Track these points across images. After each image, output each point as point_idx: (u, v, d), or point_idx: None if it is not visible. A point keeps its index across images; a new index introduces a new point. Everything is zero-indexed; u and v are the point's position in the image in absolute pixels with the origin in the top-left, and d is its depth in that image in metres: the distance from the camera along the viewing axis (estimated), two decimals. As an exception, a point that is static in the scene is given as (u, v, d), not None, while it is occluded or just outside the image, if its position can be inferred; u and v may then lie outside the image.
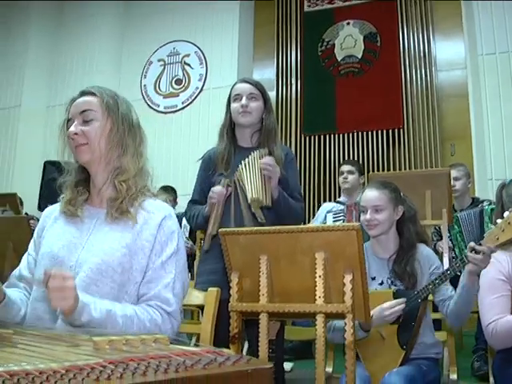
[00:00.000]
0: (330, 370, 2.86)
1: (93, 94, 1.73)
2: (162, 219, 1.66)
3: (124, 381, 0.72)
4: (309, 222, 5.45)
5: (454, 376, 2.82)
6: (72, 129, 1.67)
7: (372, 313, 2.24)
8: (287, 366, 3.42)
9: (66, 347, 0.96)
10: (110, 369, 0.75)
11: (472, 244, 2.28)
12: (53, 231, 1.73)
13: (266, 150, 2.64)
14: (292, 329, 3.98)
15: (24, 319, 1.64)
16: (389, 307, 2.33)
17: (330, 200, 6.02)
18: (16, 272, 1.78)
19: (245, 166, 2.59)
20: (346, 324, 1.83)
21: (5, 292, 1.54)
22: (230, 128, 2.78)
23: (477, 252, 2.24)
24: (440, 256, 3.87)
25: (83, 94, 1.74)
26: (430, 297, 2.53)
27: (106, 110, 1.70)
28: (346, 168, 4.89)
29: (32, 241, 1.81)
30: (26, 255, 1.80)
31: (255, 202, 2.53)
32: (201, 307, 2.00)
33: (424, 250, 2.55)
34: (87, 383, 0.69)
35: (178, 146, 6.86)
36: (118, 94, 1.80)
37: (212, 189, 2.60)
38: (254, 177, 2.56)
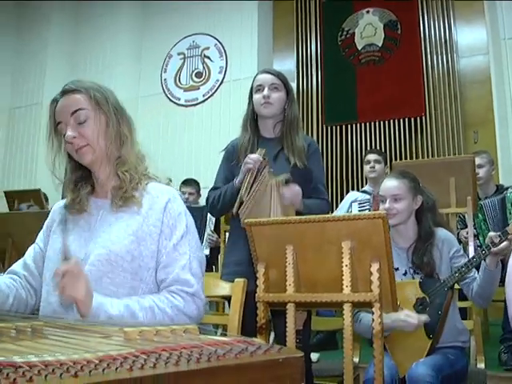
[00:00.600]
0: (356, 360, 2.86)
1: (77, 91, 1.66)
2: (166, 202, 1.64)
3: (157, 370, 0.72)
4: (332, 211, 5.43)
5: (481, 365, 2.80)
6: (69, 133, 1.61)
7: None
8: (313, 356, 3.41)
9: (98, 338, 0.96)
10: (143, 358, 0.75)
11: (491, 234, 2.29)
12: (61, 227, 1.71)
13: (284, 176, 2.55)
14: (317, 319, 3.98)
15: (12, 307, 1.63)
16: (407, 316, 2.34)
17: (352, 189, 5.98)
18: (20, 261, 1.78)
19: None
20: (373, 313, 1.82)
21: None
22: (252, 119, 2.77)
23: (495, 244, 2.25)
24: (464, 245, 3.84)
25: (65, 92, 1.67)
26: (457, 285, 2.52)
27: (96, 105, 1.65)
28: (372, 157, 4.85)
29: (41, 232, 1.81)
30: (33, 245, 1.80)
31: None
32: (227, 298, 1.99)
33: (442, 233, 2.55)
34: (121, 373, 0.69)
35: (199, 139, 6.87)
36: (99, 84, 1.74)
37: (248, 155, 2.56)
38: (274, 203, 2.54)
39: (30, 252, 1.78)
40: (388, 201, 2.54)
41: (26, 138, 7.69)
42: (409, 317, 2.33)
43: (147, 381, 0.70)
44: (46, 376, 0.64)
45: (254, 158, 2.54)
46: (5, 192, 6.41)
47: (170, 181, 1.79)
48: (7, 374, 0.63)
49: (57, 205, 1.83)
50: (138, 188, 1.65)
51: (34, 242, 1.82)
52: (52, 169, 1.71)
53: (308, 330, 2.60)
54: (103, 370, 0.69)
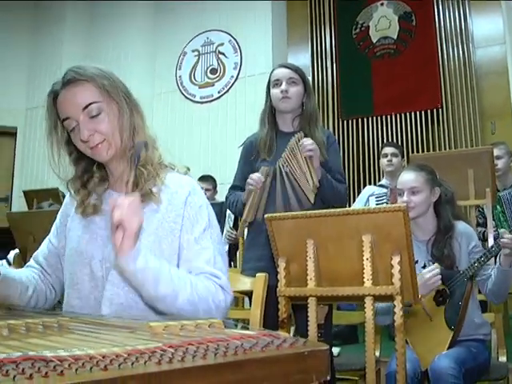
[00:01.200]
0: (377, 353, 2.85)
1: (84, 80, 1.49)
2: (186, 196, 1.54)
3: (185, 364, 0.72)
4: (349, 206, 5.42)
5: (503, 358, 2.78)
6: (85, 132, 1.46)
7: None
8: (334, 350, 3.41)
9: (124, 332, 0.97)
10: (171, 352, 0.75)
11: (502, 231, 2.29)
12: (77, 223, 1.61)
13: (301, 134, 2.61)
14: (337, 313, 3.97)
15: (31, 301, 1.58)
16: (427, 271, 2.31)
17: (369, 183, 5.96)
18: (34, 256, 1.71)
19: (288, 153, 2.59)
20: (394, 306, 1.81)
21: (0, 270, 1.46)
22: (270, 113, 2.77)
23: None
24: (484, 237, 3.82)
25: (70, 82, 1.49)
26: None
27: (107, 95, 1.50)
28: (389, 150, 4.81)
29: (54, 227, 1.72)
30: (46, 241, 1.71)
31: (314, 187, 2.53)
32: (248, 293, 2.00)
33: (462, 227, 2.55)
34: (150, 366, 0.70)
35: (215, 136, 6.88)
36: (103, 68, 1.57)
37: (250, 175, 2.60)
38: (299, 162, 2.56)
39: (43, 249, 1.71)
40: (406, 194, 2.53)
41: (42, 137, 7.72)
42: (431, 272, 2.31)
43: (175, 374, 0.70)
44: (76, 370, 0.65)
45: (255, 178, 2.57)
46: (24, 192, 6.47)
47: (188, 169, 1.68)
48: (39, 368, 0.63)
49: (69, 198, 1.70)
50: (157, 183, 1.54)
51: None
52: (58, 170, 1.59)
53: (329, 324, 2.59)
54: (132, 363, 0.69)
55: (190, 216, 1.52)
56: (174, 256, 1.50)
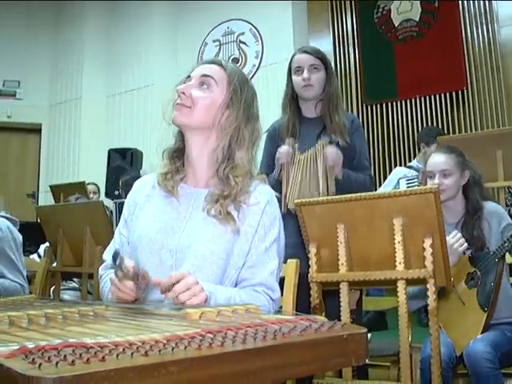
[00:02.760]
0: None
1: (223, 67, 1.62)
2: (265, 204, 1.56)
3: (225, 349, 0.72)
4: (376, 189, 5.37)
5: (538, 341, 2.73)
6: (182, 86, 1.58)
7: None
8: (365, 336, 3.40)
9: (161, 320, 0.97)
10: (210, 338, 0.75)
11: None
12: (147, 211, 1.62)
13: (326, 140, 2.57)
14: (366, 299, 3.95)
15: None
16: (449, 238, 2.28)
17: (394, 167, 5.90)
18: (109, 251, 1.65)
19: (309, 156, 2.57)
20: (428, 289, 1.79)
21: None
22: (292, 99, 2.75)
23: None
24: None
25: (213, 62, 1.64)
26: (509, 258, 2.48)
27: (227, 87, 1.59)
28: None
29: (122, 219, 1.70)
30: (117, 234, 1.70)
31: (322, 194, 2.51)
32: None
33: (492, 206, 2.53)
34: (189, 352, 0.69)
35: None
36: (249, 81, 1.68)
37: (278, 150, 2.58)
38: (317, 167, 2.54)
39: (118, 241, 1.68)
40: (437, 176, 2.52)
41: (67, 132, 7.83)
42: (453, 238, 2.30)
43: (215, 359, 0.70)
44: (117, 355, 0.65)
45: (284, 151, 2.55)
46: (50, 186, 6.55)
47: (265, 180, 1.69)
48: (80, 355, 0.63)
49: (138, 185, 1.72)
50: (241, 200, 1.55)
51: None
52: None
53: (360, 309, 2.58)
54: (172, 349, 0.69)
55: (265, 225, 1.55)
56: (242, 258, 1.53)
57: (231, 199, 1.53)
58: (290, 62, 2.76)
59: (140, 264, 1.44)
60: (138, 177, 2.41)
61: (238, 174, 1.56)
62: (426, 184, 3.44)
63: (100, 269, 1.70)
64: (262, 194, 1.58)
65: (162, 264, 1.51)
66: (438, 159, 2.56)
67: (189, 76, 1.62)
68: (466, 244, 2.31)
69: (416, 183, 4.18)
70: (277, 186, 2.57)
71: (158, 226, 1.56)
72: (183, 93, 1.56)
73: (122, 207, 1.74)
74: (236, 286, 1.53)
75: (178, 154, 1.67)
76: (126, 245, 1.65)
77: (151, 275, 1.44)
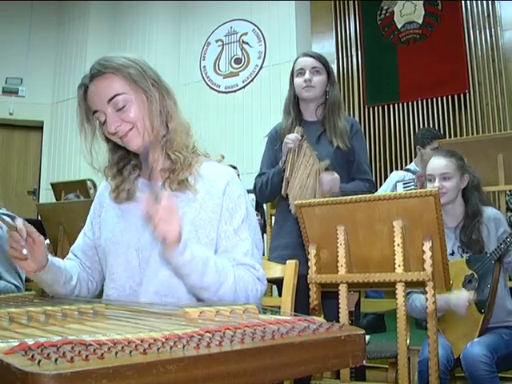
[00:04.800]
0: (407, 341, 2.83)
1: (109, 72, 1.47)
2: (225, 186, 1.51)
3: (223, 348, 0.72)
4: (376, 191, 5.37)
5: (535, 346, 2.74)
6: (111, 126, 1.46)
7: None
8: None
9: (160, 318, 0.97)
10: (208, 337, 0.75)
11: None
12: (111, 212, 1.59)
13: (325, 163, 2.55)
14: (365, 301, 3.96)
15: (75, 290, 1.57)
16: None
17: (396, 170, 5.90)
18: (72, 249, 1.69)
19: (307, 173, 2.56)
20: (426, 292, 1.79)
21: (48, 257, 1.45)
22: (294, 103, 2.76)
23: None
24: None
25: (95, 75, 1.48)
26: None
27: (133, 85, 1.48)
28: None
29: (88, 219, 1.69)
30: (82, 234, 1.69)
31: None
32: (277, 281, 1.99)
33: (491, 212, 2.54)
34: (188, 351, 0.70)
35: (240, 125, 6.87)
36: (130, 57, 1.54)
37: (287, 136, 2.58)
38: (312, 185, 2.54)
39: (79, 242, 1.69)
40: (437, 179, 2.52)
41: (68, 130, 7.83)
42: (458, 300, 2.32)
43: (213, 358, 0.70)
44: (116, 353, 0.65)
45: (293, 137, 2.55)
46: (51, 184, 6.55)
47: (223, 157, 1.65)
48: (79, 352, 0.64)
49: (103, 187, 1.69)
50: (192, 172, 1.51)
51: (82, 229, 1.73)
52: (90, 160, 1.56)
53: (359, 311, 2.58)
54: (170, 348, 0.70)
55: (228, 206, 1.50)
56: (212, 246, 1.48)
57: (177, 172, 1.49)
58: (293, 65, 2.79)
59: (111, 268, 1.47)
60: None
61: (177, 148, 1.51)
62: (422, 187, 3.44)
63: None
64: (219, 177, 1.53)
65: (128, 264, 1.50)
66: (439, 162, 2.57)
67: (96, 111, 1.50)
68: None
69: (412, 187, 4.18)
70: (281, 176, 2.58)
71: (123, 226, 1.54)
72: (118, 126, 1.47)
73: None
74: None
75: (120, 166, 1.60)
76: (89, 245, 1.65)
77: (120, 276, 1.48)
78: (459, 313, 2.33)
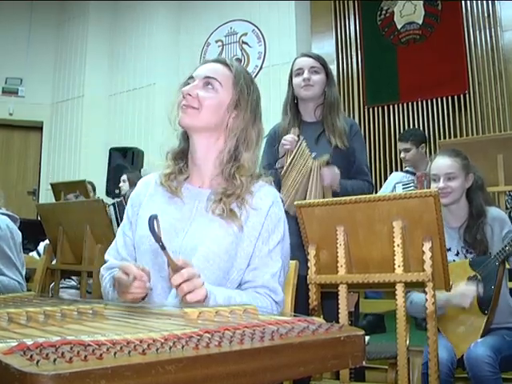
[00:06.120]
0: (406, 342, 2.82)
1: (228, 66, 1.59)
2: (270, 206, 1.54)
3: (222, 349, 0.72)
4: (376, 193, 5.37)
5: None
6: (187, 88, 1.54)
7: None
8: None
9: (159, 319, 0.97)
10: (207, 337, 0.75)
11: None
12: (150, 211, 1.52)
13: (326, 158, 2.57)
14: (365, 302, 3.95)
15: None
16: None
17: (396, 171, 5.90)
18: (111, 251, 1.66)
19: (304, 171, 2.57)
20: (426, 293, 1.79)
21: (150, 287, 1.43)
22: (293, 103, 2.77)
23: None
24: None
25: (218, 61, 1.61)
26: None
27: (233, 88, 1.56)
28: (401, 146, 4.67)
29: (126, 218, 1.67)
30: (121, 235, 1.66)
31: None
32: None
33: (494, 212, 2.54)
34: (187, 351, 0.70)
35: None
36: (254, 81, 1.65)
37: (284, 137, 2.60)
38: (311, 183, 2.54)
39: (121, 242, 1.65)
40: (442, 179, 2.51)
41: (68, 131, 7.84)
42: (464, 293, 2.31)
43: (213, 359, 0.70)
44: (114, 354, 0.65)
45: (289, 138, 2.57)
46: (51, 184, 6.56)
47: (272, 181, 1.67)
48: (78, 352, 0.64)
49: (142, 184, 1.70)
50: (244, 199, 1.53)
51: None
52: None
53: (358, 312, 2.58)
54: (169, 348, 0.70)
55: (268, 227, 1.53)
56: (245, 260, 1.51)
57: (234, 198, 1.52)
58: (292, 65, 2.79)
59: (145, 265, 1.44)
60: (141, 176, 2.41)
61: (243, 174, 1.55)
62: (421, 187, 3.44)
63: (102, 269, 1.67)
64: (266, 196, 1.57)
65: (163, 265, 1.47)
66: (444, 162, 2.55)
67: (191, 77, 1.60)
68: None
69: (412, 188, 4.18)
70: (278, 178, 2.59)
71: (161, 227, 1.51)
72: (189, 94, 1.54)
73: (122, 206, 1.74)
74: (238, 288, 1.52)
75: (182, 156, 1.65)
76: (130, 245, 1.63)
77: (153, 276, 1.44)
78: (463, 303, 2.31)
